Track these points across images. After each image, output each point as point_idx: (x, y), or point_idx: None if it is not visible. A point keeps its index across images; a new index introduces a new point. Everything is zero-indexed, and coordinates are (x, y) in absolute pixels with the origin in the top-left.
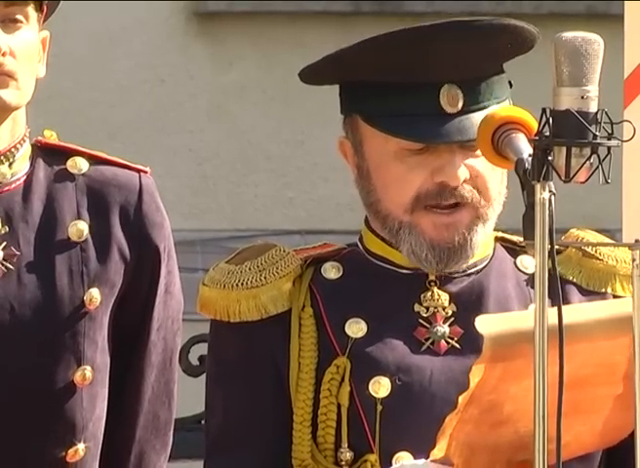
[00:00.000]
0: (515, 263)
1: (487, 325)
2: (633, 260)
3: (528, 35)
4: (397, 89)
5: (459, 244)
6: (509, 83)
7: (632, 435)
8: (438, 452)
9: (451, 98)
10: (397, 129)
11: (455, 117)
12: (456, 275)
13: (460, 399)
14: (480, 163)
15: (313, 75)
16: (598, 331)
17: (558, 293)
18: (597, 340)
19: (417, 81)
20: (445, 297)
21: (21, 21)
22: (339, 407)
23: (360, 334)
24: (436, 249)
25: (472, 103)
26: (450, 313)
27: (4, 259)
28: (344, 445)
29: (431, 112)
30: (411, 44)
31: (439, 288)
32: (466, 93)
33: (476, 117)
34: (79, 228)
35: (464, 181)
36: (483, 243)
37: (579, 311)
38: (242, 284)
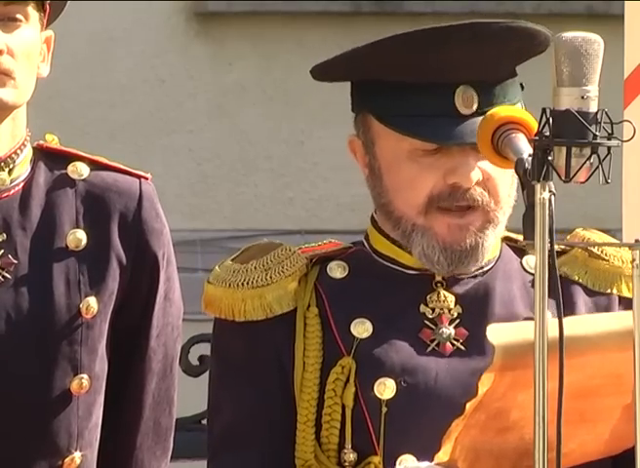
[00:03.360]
0: (521, 263)
1: (498, 334)
2: (633, 260)
3: (542, 39)
4: (412, 89)
5: (470, 246)
6: (521, 85)
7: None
8: (443, 456)
9: (466, 100)
10: (411, 129)
11: (469, 119)
12: (462, 276)
13: (468, 405)
14: (491, 166)
15: (325, 73)
16: (610, 343)
17: (558, 293)
18: (609, 352)
19: (433, 82)
20: (451, 299)
21: (21, 20)
22: (343, 407)
23: (365, 335)
24: (448, 250)
25: (486, 105)
26: (455, 315)
27: (1, 268)
28: (348, 446)
29: (446, 113)
30: (429, 44)
31: (445, 289)
32: (481, 94)
33: None
34: (77, 237)
35: (476, 183)
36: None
37: (590, 323)
38: (247, 283)
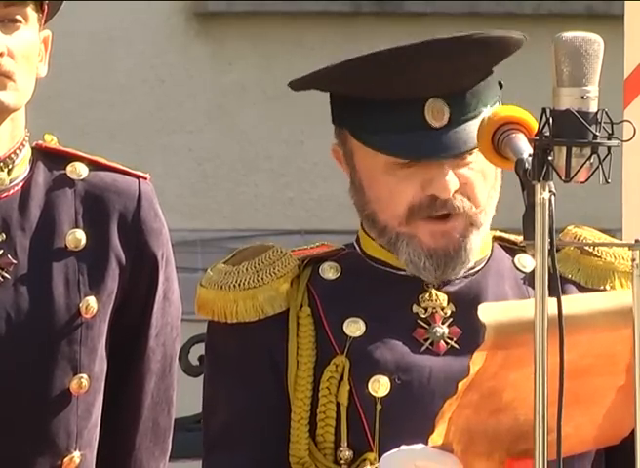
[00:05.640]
0: (513, 262)
1: (489, 313)
2: (633, 260)
3: (513, 43)
4: (382, 105)
5: (454, 250)
6: (499, 83)
7: (632, 435)
8: (437, 438)
9: (436, 113)
10: (383, 145)
11: (441, 131)
12: (452, 278)
13: (460, 385)
14: (469, 170)
15: (299, 89)
16: (601, 322)
17: (558, 294)
18: (600, 331)
19: (401, 97)
20: (443, 298)
21: (20, 22)
22: (338, 405)
23: (358, 334)
24: (433, 256)
25: (459, 115)
26: (448, 313)
27: (1, 268)
28: (344, 443)
29: (417, 127)
30: (393, 64)
31: (437, 289)
32: (452, 105)
33: (463, 129)
34: (77, 237)
35: (455, 191)
36: (480, 246)
37: (581, 302)
38: (239, 284)
